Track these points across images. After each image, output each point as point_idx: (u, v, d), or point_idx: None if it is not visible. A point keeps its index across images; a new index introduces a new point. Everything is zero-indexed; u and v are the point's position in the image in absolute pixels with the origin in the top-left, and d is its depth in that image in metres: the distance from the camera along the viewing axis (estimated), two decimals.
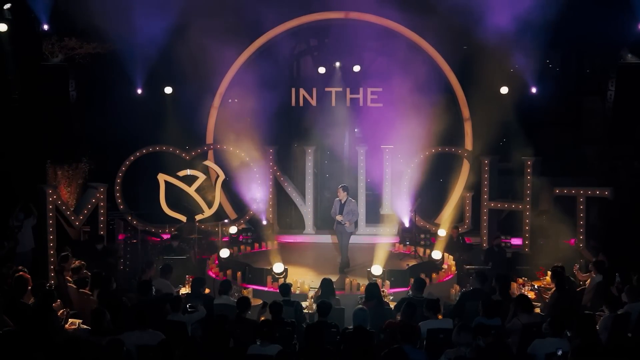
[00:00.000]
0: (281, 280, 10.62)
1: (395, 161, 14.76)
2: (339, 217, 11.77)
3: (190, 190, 13.92)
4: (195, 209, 14.05)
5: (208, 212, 13.98)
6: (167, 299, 8.26)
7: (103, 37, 13.89)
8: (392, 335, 7.04)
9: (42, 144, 13.35)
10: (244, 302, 7.84)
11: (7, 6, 12.44)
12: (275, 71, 14.82)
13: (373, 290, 8.58)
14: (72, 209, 12.59)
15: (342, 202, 11.81)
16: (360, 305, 8.02)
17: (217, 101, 15.24)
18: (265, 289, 10.71)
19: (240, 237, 14.02)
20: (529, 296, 9.55)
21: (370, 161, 14.80)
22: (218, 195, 14.13)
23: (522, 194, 13.63)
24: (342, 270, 11.76)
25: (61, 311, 8.31)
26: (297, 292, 10.26)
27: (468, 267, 11.78)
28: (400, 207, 14.63)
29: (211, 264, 12.14)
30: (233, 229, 14.03)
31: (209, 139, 15.27)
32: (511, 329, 7.57)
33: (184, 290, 9.91)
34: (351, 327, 7.48)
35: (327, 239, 14.43)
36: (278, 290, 8.99)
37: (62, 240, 11.96)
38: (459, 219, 14.38)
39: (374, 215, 14.91)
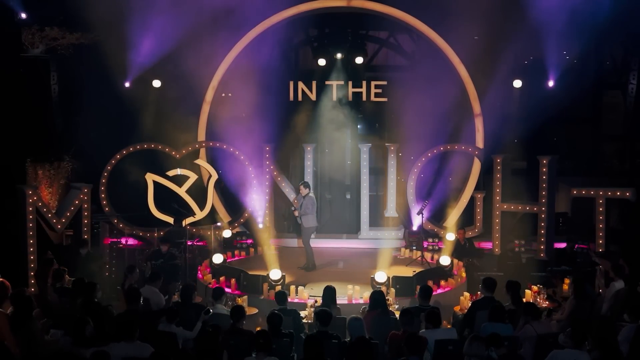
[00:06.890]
0: (278, 288, 10.63)
1: (400, 160, 14.75)
2: (295, 213, 12.72)
3: (181, 191, 13.91)
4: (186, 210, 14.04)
5: (200, 215, 13.96)
6: (164, 311, 8.29)
7: (87, 26, 13.86)
8: (397, 347, 7.02)
9: (22, 142, 13.29)
10: (239, 311, 7.83)
11: None
12: (272, 63, 14.80)
13: (377, 298, 8.58)
14: (53, 211, 12.57)
15: (303, 197, 12.59)
16: (354, 315, 8.02)
17: (209, 95, 15.23)
18: (262, 297, 10.71)
19: (235, 241, 14.03)
20: (545, 305, 9.61)
21: (374, 160, 14.79)
22: (210, 197, 14.12)
23: (536, 195, 13.62)
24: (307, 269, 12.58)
25: (42, 321, 8.29)
26: (296, 300, 10.27)
27: (479, 273, 11.77)
28: (405, 209, 14.63)
29: (203, 270, 12.14)
30: (227, 233, 14.04)
31: (201, 136, 15.26)
32: (524, 336, 7.58)
33: (174, 298, 9.90)
34: (348, 339, 7.46)
35: (327, 243, 14.43)
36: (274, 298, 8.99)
37: (43, 244, 11.95)
38: (470, 221, 14.37)
39: (378, 218, 14.92)
